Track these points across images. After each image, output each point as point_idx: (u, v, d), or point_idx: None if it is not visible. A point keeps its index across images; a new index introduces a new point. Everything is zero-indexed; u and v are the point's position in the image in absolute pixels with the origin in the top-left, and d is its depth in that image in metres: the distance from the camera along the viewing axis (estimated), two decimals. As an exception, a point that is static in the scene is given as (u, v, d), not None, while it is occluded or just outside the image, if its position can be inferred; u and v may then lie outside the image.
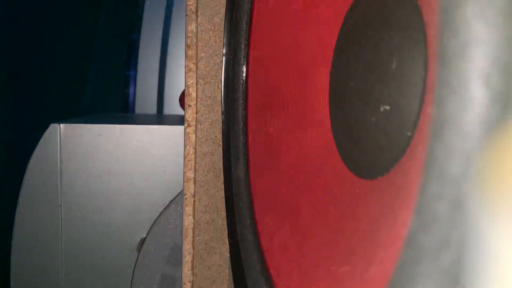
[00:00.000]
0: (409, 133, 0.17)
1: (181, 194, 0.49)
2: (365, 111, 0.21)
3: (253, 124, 0.30)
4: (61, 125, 0.49)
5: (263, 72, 0.29)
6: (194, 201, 0.35)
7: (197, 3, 0.34)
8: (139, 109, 0.79)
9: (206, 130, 0.35)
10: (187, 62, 0.34)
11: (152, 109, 0.79)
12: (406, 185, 0.16)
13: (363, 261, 0.18)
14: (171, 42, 0.78)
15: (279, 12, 0.28)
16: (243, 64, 0.30)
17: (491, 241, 0.13)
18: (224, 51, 0.31)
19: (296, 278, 0.24)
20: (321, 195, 0.24)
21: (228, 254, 0.34)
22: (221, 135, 0.33)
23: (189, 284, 0.35)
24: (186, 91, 0.35)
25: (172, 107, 0.78)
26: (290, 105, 0.28)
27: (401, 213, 0.16)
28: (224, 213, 0.34)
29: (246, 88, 0.30)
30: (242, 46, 0.30)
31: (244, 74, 0.30)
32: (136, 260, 0.50)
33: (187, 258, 0.35)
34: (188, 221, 0.35)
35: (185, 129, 0.35)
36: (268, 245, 0.26)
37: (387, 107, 0.20)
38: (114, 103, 0.87)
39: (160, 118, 0.72)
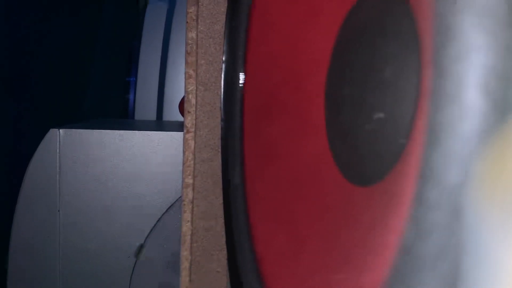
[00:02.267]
0: (403, 141, 0.18)
1: (179, 200, 0.49)
2: (359, 119, 0.22)
3: (249, 131, 0.30)
4: (60, 130, 0.49)
5: (260, 79, 0.30)
6: (193, 208, 0.35)
7: (197, 10, 0.34)
8: (139, 115, 0.79)
9: (205, 137, 0.35)
10: (187, 69, 0.35)
11: (152, 115, 0.79)
12: (400, 192, 0.16)
13: (357, 268, 0.18)
14: (171, 49, 0.78)
15: (276, 19, 0.29)
16: (242, 71, 0.30)
17: (489, 249, 0.13)
18: (223, 58, 0.31)
19: (291, 285, 0.24)
20: (317, 202, 0.24)
21: (226, 261, 0.34)
22: (219, 141, 0.33)
23: (186, 291, 0.35)
24: (185, 98, 0.35)
25: (172, 113, 0.78)
26: (287, 112, 0.28)
27: (395, 220, 0.16)
28: (222, 220, 0.34)
29: (242, 94, 0.30)
30: (241, 54, 0.30)
31: (242, 81, 0.30)
32: (134, 267, 0.49)
33: (185, 265, 0.35)
34: (186, 227, 0.35)
35: (184, 135, 0.35)
36: (264, 252, 0.26)
37: (381, 115, 0.20)
38: (114, 109, 0.87)
39: (159, 124, 0.72)
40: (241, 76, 0.30)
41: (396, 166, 0.18)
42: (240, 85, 0.30)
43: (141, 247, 0.50)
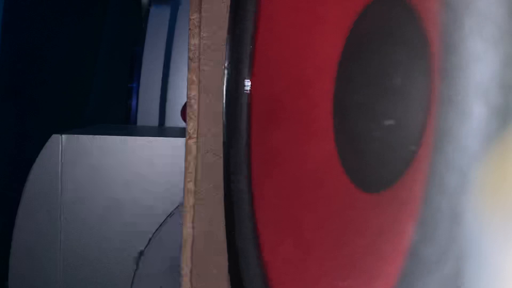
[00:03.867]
0: (413, 148, 0.18)
1: (181, 206, 0.49)
2: (369, 125, 0.22)
3: (256, 137, 0.30)
4: (62, 136, 0.50)
5: (267, 85, 0.30)
6: (194, 213, 0.35)
7: (200, 17, 0.34)
8: (141, 121, 0.79)
9: (207, 142, 0.35)
10: (189, 75, 0.35)
11: (154, 121, 0.79)
12: (410, 199, 0.16)
13: (365, 275, 0.18)
14: (174, 55, 0.79)
15: (283, 26, 0.29)
16: (246, 77, 0.30)
17: (491, 254, 0.13)
18: (226, 65, 0.31)
19: None
20: (324, 208, 0.24)
21: (227, 267, 0.33)
22: (222, 147, 0.33)
23: (187, 297, 0.35)
24: (188, 104, 0.35)
25: (174, 119, 0.78)
26: (294, 118, 0.28)
27: (404, 228, 0.16)
28: (223, 225, 0.34)
29: (249, 100, 0.30)
30: (245, 60, 0.30)
31: (246, 87, 0.30)
32: (135, 272, 0.49)
33: (185, 270, 0.35)
34: (187, 233, 0.35)
35: (186, 141, 0.35)
36: (270, 258, 0.26)
37: (391, 122, 0.20)
38: (116, 114, 0.87)
39: (162, 130, 0.72)
40: (247, 82, 0.30)
41: (406, 173, 0.18)
42: (247, 91, 0.30)
43: (142, 253, 0.50)
